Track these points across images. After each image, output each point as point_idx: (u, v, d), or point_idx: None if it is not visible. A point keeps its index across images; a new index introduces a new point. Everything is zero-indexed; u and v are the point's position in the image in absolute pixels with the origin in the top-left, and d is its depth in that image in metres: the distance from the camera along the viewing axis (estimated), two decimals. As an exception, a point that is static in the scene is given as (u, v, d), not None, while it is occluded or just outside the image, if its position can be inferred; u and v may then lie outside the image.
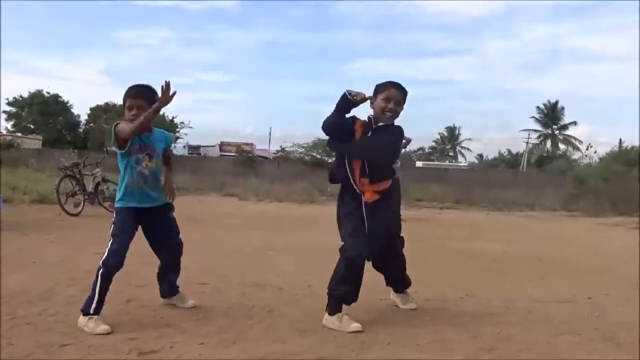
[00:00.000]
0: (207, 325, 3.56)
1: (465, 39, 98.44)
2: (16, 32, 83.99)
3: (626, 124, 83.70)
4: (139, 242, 3.75)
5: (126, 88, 3.64)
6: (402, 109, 3.83)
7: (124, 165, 3.65)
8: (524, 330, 3.72)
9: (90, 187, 10.31)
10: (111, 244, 3.54)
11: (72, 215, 9.51)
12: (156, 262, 3.98)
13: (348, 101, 3.61)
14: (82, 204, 10.00)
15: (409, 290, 4.28)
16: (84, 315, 3.42)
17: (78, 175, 10.31)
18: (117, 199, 3.73)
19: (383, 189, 3.80)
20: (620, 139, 38.77)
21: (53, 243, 6.57)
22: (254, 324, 3.62)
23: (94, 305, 3.42)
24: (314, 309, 4.03)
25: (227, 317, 3.76)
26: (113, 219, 3.66)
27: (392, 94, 3.76)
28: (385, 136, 3.78)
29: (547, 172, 39.05)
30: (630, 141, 42.68)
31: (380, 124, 3.81)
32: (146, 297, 4.11)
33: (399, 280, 4.22)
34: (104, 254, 3.53)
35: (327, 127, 3.73)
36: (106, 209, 10.22)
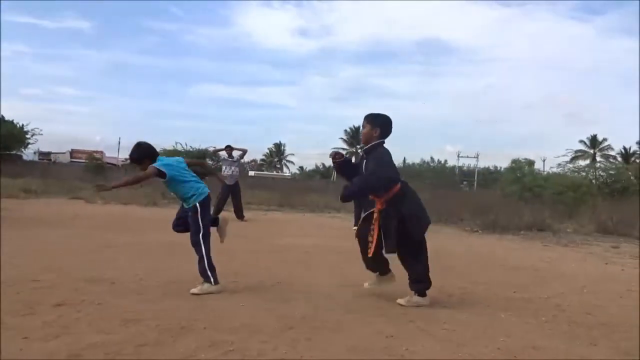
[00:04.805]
0: (33, 320, 3.16)
1: (292, 73, 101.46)
2: None
3: (407, 146, 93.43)
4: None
5: None
6: (368, 129, 4.07)
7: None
8: (321, 310, 3.82)
9: None
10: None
11: None
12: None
13: (335, 164, 4.01)
14: None
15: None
16: None
17: None
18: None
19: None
20: (405, 157, 42.58)
21: None
22: (81, 317, 3.28)
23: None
24: (141, 300, 3.78)
25: (55, 311, 3.36)
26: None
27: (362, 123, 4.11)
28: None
29: (351, 182, 41.34)
30: (412, 159, 46.96)
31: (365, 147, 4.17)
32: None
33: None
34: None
35: (352, 195, 4.12)
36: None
